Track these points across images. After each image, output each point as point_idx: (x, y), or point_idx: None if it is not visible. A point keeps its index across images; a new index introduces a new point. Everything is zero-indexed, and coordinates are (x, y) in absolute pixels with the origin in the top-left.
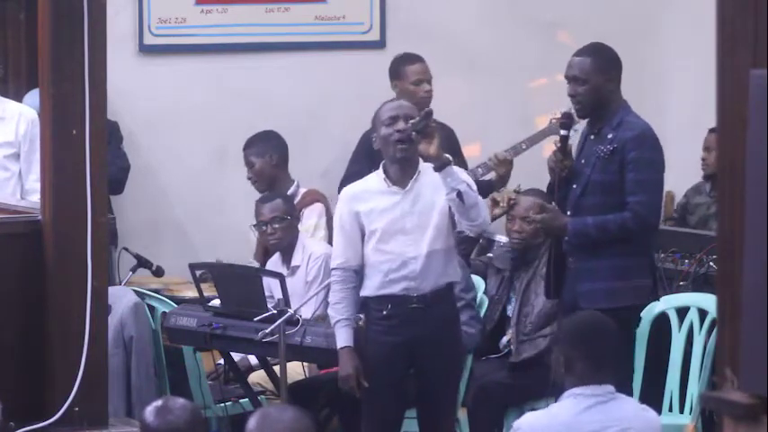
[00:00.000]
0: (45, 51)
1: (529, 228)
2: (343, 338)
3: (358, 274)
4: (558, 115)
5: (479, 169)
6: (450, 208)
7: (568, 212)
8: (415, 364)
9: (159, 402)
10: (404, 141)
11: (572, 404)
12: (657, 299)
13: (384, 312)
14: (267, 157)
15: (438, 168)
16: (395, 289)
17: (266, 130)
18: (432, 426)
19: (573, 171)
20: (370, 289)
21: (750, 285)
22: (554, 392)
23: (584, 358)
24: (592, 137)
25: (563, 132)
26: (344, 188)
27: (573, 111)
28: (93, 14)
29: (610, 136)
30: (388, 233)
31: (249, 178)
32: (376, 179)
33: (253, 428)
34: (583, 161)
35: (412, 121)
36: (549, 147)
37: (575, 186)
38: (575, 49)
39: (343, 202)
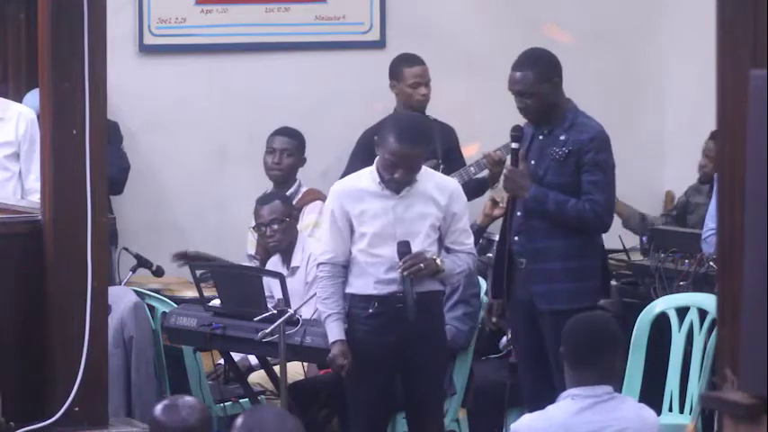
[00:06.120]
0: (45, 51)
1: None
2: (334, 333)
3: (346, 268)
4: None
5: (472, 168)
6: (438, 222)
7: (518, 213)
8: (402, 364)
9: (168, 401)
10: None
11: (569, 405)
12: (608, 297)
13: (370, 310)
14: (300, 158)
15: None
16: (383, 291)
17: (295, 129)
18: (420, 426)
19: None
20: (357, 288)
21: (750, 285)
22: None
23: (578, 359)
24: (541, 137)
25: (514, 145)
26: (336, 183)
27: (523, 124)
28: (93, 14)
29: (562, 138)
30: (378, 237)
31: (275, 164)
32: (369, 178)
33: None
34: (533, 162)
35: None
36: None
37: None
38: (574, 50)
39: (334, 197)
